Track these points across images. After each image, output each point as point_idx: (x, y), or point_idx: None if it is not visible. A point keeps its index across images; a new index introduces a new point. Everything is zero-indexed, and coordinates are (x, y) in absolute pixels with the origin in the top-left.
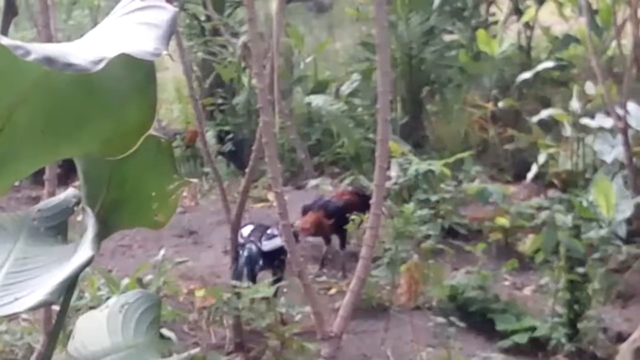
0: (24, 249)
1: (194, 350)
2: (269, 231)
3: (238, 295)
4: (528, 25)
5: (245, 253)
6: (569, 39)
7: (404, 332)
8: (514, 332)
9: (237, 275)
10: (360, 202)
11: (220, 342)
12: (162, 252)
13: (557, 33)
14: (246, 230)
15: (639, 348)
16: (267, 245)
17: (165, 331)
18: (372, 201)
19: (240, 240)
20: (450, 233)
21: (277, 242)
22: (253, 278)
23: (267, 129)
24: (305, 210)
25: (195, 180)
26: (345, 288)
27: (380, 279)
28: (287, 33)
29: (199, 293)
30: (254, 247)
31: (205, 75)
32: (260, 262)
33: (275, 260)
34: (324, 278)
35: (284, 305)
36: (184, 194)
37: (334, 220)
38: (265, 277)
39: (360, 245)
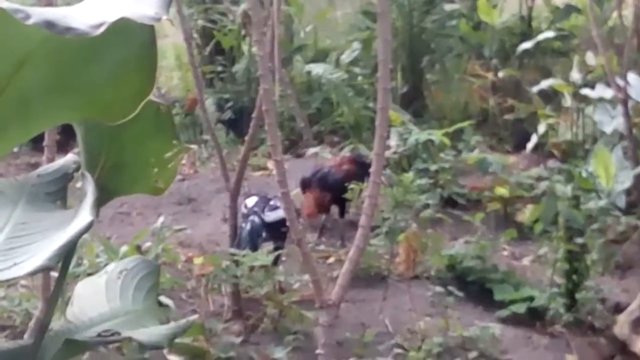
0: (23, 214)
1: (192, 318)
2: (272, 202)
3: (237, 263)
4: None
5: (248, 225)
6: (570, 9)
7: (402, 301)
8: (512, 302)
9: (239, 247)
10: (359, 170)
11: (218, 310)
12: (160, 219)
13: (558, 3)
14: (250, 201)
15: (637, 319)
16: (270, 216)
17: (163, 298)
18: (371, 170)
19: (244, 211)
20: (449, 203)
21: (280, 214)
22: (254, 250)
23: (267, 97)
24: (303, 184)
25: (194, 147)
26: (344, 257)
27: (379, 248)
28: (287, 1)
29: (198, 261)
30: (256, 219)
31: (205, 43)
32: (263, 234)
33: (278, 231)
34: (322, 247)
35: (282, 273)
36: (183, 161)
37: (334, 192)
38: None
39: (359, 214)
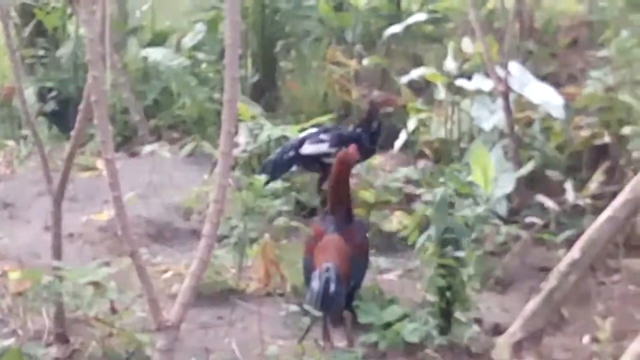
0: None
1: (8, 342)
2: (321, 136)
3: (60, 278)
4: None
5: (273, 156)
6: None
7: (252, 322)
8: (377, 322)
9: (263, 171)
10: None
11: (39, 332)
12: None
13: None
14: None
15: (518, 341)
16: (308, 148)
17: None
18: (217, 171)
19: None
20: (306, 209)
21: (321, 148)
22: (273, 179)
23: (96, 86)
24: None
25: (11, 143)
26: (185, 271)
27: (226, 260)
28: None
29: (14, 275)
30: (291, 152)
31: (24, 23)
32: (294, 167)
33: (316, 163)
34: (159, 259)
35: (114, 290)
36: None
37: None
38: None
39: (202, 221)
